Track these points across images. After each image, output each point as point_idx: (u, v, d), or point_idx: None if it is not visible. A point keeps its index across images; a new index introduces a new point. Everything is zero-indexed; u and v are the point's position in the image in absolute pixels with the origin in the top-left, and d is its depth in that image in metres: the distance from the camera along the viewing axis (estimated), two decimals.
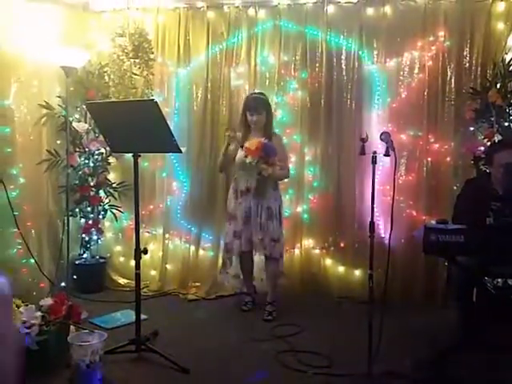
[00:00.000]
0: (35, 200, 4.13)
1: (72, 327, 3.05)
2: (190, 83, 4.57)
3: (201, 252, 4.60)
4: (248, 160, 3.60)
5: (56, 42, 4.11)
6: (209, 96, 4.52)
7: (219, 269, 4.16)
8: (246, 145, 3.62)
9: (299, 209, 4.45)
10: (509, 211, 2.96)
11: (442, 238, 2.76)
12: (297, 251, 4.45)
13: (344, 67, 4.34)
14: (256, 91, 4.14)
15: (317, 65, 4.38)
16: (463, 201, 3.49)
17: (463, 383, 2.77)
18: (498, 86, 3.89)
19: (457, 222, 3.08)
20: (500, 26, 4.04)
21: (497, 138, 3.82)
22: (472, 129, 4.05)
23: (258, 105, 3.78)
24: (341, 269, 4.43)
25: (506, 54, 3.98)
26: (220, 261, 4.44)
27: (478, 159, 3.88)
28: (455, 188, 4.03)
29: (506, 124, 3.87)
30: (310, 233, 4.48)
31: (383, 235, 4.17)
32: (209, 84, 4.51)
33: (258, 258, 4.09)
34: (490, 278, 3.54)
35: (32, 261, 3.90)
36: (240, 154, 3.76)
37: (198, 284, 4.50)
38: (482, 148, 3.87)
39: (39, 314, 2.97)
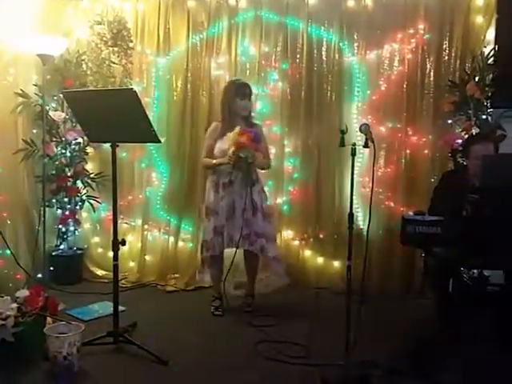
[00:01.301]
0: (11, 190, 4.05)
1: (49, 319, 3.02)
2: (169, 73, 4.54)
3: (180, 243, 4.59)
4: (242, 154, 3.42)
5: (33, 30, 4.02)
6: (189, 86, 4.49)
7: (198, 268, 3.96)
8: (235, 139, 3.42)
9: (279, 200, 4.46)
10: (485, 203, 3.00)
11: (419, 230, 2.79)
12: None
13: (325, 59, 4.35)
14: (238, 78, 4.04)
15: (297, 56, 4.38)
16: (440, 193, 3.53)
17: (439, 373, 2.81)
18: (477, 79, 3.93)
19: (433, 213, 3.12)
20: (479, 19, 4.07)
21: (474, 130, 3.87)
22: (450, 121, 4.09)
23: (248, 90, 3.65)
24: (320, 260, 4.46)
25: (485, 47, 4.01)
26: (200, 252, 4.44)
27: (456, 152, 3.92)
28: (433, 180, 4.06)
29: (484, 117, 3.92)
30: (290, 224, 4.49)
31: (362, 226, 4.20)
32: (189, 74, 4.48)
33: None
34: (466, 269, 3.60)
35: (8, 252, 3.83)
36: (221, 145, 3.58)
37: (177, 275, 4.48)
38: (460, 141, 3.91)
39: (15, 305, 2.92)
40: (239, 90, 3.63)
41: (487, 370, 2.82)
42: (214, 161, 3.62)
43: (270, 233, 3.76)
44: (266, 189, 4.07)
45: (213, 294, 3.86)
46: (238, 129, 3.46)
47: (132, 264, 4.62)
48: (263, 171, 3.91)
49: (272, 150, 4.36)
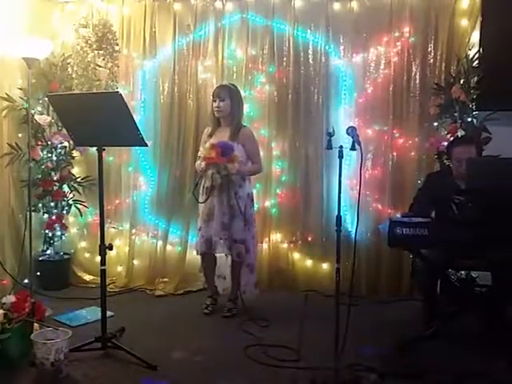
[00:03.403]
0: None
1: (36, 325, 2.99)
2: (156, 76, 4.51)
3: (168, 247, 4.55)
4: (212, 170, 3.54)
5: (18, 33, 3.98)
6: (176, 89, 4.47)
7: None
8: (205, 154, 3.56)
9: (267, 203, 4.45)
10: (472, 205, 3.03)
11: (407, 232, 2.81)
12: (265, 245, 4.45)
13: (311, 62, 4.36)
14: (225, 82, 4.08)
15: (284, 59, 4.38)
16: (423, 194, 3.56)
17: (429, 374, 2.82)
18: (462, 81, 3.96)
19: (413, 213, 3.16)
20: (464, 22, 4.11)
21: (460, 133, 3.90)
22: (436, 124, 4.12)
23: (220, 91, 3.71)
24: (308, 262, 4.46)
25: (470, 50, 4.05)
26: (188, 256, 4.44)
27: (442, 154, 3.95)
28: (419, 182, 4.08)
29: (469, 119, 3.95)
30: (278, 227, 4.49)
31: (350, 229, 4.21)
32: (176, 77, 4.46)
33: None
34: (453, 271, 3.63)
35: None
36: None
37: (165, 279, 4.45)
38: (446, 143, 3.94)
39: (1, 311, 2.91)
40: (214, 93, 3.77)
41: (476, 369, 2.84)
42: (197, 167, 3.75)
43: (249, 240, 3.78)
44: (254, 191, 4.06)
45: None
46: (208, 143, 3.60)
47: (120, 269, 4.58)
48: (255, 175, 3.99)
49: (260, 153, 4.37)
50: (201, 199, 3.76)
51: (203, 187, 3.76)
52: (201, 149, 3.81)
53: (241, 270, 3.79)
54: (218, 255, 3.86)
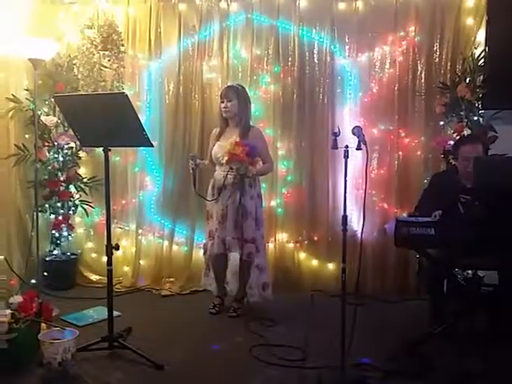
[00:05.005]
0: (3, 196, 4.03)
1: (43, 325, 3.01)
2: (161, 76, 4.52)
3: (174, 247, 4.57)
4: (234, 166, 3.54)
5: (24, 34, 4.00)
6: (181, 89, 4.48)
7: (203, 271, 3.99)
8: (230, 149, 3.52)
9: (273, 203, 4.46)
10: (478, 204, 3.02)
11: (413, 231, 2.80)
12: (271, 245, 4.45)
13: (316, 61, 4.36)
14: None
15: (289, 59, 4.38)
16: (429, 194, 3.55)
17: (435, 374, 2.81)
18: (468, 80, 3.96)
19: (419, 212, 3.15)
20: (469, 21, 4.11)
21: (466, 131, 3.89)
22: (442, 123, 4.11)
23: (227, 92, 3.73)
24: (314, 262, 4.46)
25: (476, 48, 4.05)
26: (194, 256, 4.45)
27: (448, 153, 3.94)
28: (425, 181, 4.07)
29: (475, 118, 3.95)
30: (284, 227, 4.49)
31: (356, 228, 4.21)
32: (181, 77, 4.48)
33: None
34: (460, 270, 3.62)
35: (1, 257, 3.80)
36: (217, 149, 3.69)
37: (172, 279, 4.47)
38: (452, 142, 3.93)
39: (9, 311, 2.91)
40: (221, 94, 3.80)
41: (483, 369, 2.83)
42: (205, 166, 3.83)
43: (259, 240, 3.78)
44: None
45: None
46: (234, 138, 3.57)
47: (126, 269, 4.60)
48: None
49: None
50: (210, 199, 3.77)
51: (213, 187, 3.77)
52: (210, 148, 3.82)
53: (249, 269, 3.78)
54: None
